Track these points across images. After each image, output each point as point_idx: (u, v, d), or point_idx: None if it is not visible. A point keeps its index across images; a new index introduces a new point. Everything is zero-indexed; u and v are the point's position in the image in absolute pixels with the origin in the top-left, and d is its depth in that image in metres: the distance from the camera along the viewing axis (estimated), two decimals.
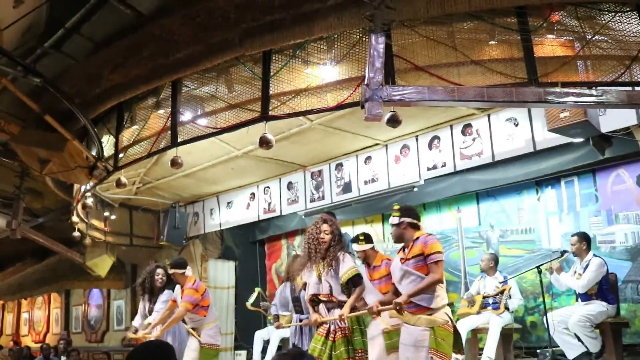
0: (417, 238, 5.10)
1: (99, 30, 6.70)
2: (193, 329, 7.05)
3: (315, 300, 5.74)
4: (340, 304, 5.52)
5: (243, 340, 11.09)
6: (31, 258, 16.00)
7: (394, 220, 5.21)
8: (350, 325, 5.52)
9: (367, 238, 6.59)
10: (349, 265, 5.55)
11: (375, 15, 4.83)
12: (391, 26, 5.15)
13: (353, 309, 5.48)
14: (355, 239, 6.65)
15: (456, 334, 5.04)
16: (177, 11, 6.37)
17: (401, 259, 5.16)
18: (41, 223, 11.70)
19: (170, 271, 7.14)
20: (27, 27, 6.58)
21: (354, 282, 5.54)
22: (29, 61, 6.54)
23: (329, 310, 5.63)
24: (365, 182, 9.07)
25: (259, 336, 9.83)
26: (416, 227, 5.21)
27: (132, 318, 13.81)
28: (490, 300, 7.60)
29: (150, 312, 7.54)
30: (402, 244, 5.24)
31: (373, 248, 6.61)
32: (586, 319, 6.57)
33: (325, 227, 5.70)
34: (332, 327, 5.53)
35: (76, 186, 9.74)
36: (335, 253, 5.60)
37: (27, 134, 7.19)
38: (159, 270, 7.68)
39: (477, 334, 7.74)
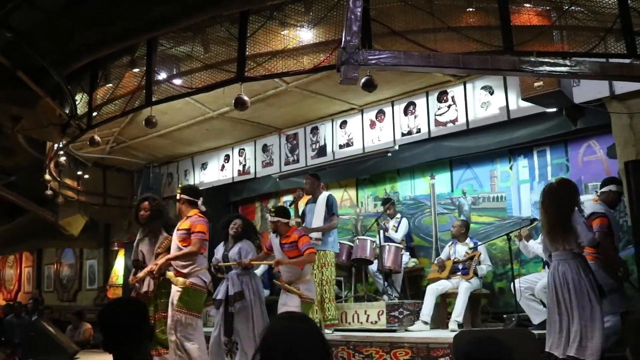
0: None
1: None
2: (289, 283, 6.59)
3: None
4: None
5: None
6: (2, 216, 15.84)
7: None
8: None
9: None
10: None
11: None
12: None
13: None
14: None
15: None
16: None
17: None
18: (13, 181, 11.56)
19: (274, 219, 6.75)
20: None
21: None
22: (0, 15, 6.39)
23: None
24: (340, 147, 9.10)
25: None
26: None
27: (105, 277, 13.89)
28: (460, 266, 7.72)
29: (224, 258, 6.99)
30: None
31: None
32: None
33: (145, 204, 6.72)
34: None
35: (49, 144, 9.65)
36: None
37: None
38: (237, 221, 7.20)
39: (447, 299, 7.87)
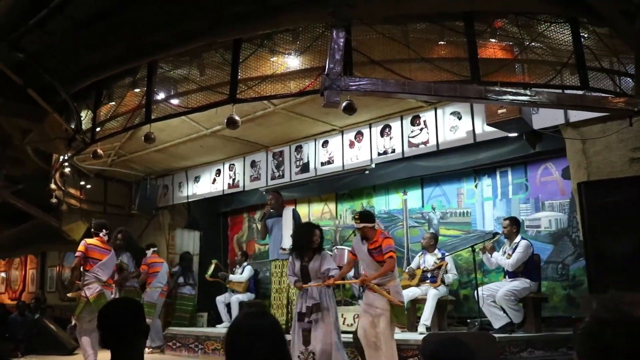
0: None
1: (80, 11, 6.53)
2: (378, 285, 6.14)
3: None
4: None
5: (203, 304, 11.07)
6: (10, 222, 15.63)
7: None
8: None
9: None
10: None
11: (336, 12, 4.85)
12: (351, 23, 5.16)
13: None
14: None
15: None
16: None
17: None
18: (21, 189, 11.43)
19: (360, 225, 6.26)
20: (12, 5, 6.39)
21: None
22: (13, 37, 6.35)
23: None
24: (322, 164, 9.11)
25: (220, 300, 10.00)
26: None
27: None
28: (429, 275, 7.74)
29: (303, 270, 6.48)
30: None
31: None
32: (511, 293, 6.75)
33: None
34: None
35: (55, 156, 9.56)
36: None
37: (10, 105, 7.02)
38: (316, 231, 6.55)
39: (416, 304, 7.87)
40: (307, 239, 6.42)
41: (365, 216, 6.35)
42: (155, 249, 10.48)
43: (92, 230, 7.99)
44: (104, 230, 7.92)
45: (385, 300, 6.03)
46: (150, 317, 9.38)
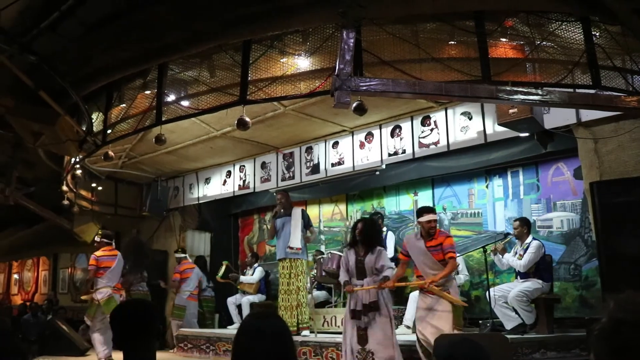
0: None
1: (91, 14, 6.57)
2: (437, 286, 5.93)
3: None
4: None
5: (214, 305, 11.11)
6: (22, 224, 15.74)
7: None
8: None
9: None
10: None
11: (347, 13, 4.84)
12: (361, 23, 5.15)
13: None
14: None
15: None
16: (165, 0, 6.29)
17: None
18: (33, 191, 11.50)
19: (431, 217, 6.06)
20: (24, 8, 6.43)
21: None
22: (25, 40, 6.39)
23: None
24: (332, 165, 9.10)
25: (231, 302, 10.03)
26: None
27: None
28: None
29: (359, 263, 6.23)
30: None
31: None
32: (523, 294, 6.70)
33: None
34: None
35: (66, 158, 9.61)
36: None
37: (22, 108, 7.06)
38: (359, 225, 6.37)
39: None
40: (353, 232, 6.26)
41: (434, 210, 6.19)
42: (185, 255, 10.86)
43: (101, 239, 8.75)
44: (110, 240, 8.86)
45: (446, 302, 5.85)
46: (180, 319, 10.07)
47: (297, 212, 8.30)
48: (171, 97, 6.59)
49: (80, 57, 6.99)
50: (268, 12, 5.61)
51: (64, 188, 10.21)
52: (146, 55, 6.49)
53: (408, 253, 6.24)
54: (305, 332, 7.83)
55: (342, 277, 6.31)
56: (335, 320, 8.07)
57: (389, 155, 8.36)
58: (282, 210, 8.38)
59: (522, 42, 5.56)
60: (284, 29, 5.71)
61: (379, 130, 8.52)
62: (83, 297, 9.02)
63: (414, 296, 7.57)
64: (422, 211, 6.18)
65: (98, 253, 8.52)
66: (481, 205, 8.62)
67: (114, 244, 8.84)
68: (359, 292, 6.08)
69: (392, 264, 6.32)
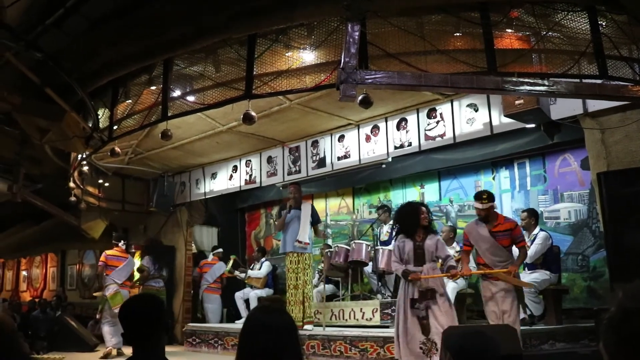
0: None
1: (96, 10, 6.58)
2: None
3: None
4: None
5: (222, 299, 11.15)
6: (30, 220, 15.82)
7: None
8: None
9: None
10: None
11: (351, 6, 4.83)
12: (366, 16, 5.14)
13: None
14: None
15: None
16: None
17: None
18: (40, 188, 11.56)
19: (488, 205, 5.95)
20: (30, 5, 6.45)
21: None
22: (30, 37, 6.41)
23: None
24: (339, 158, 9.09)
25: (239, 296, 10.07)
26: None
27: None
28: None
29: (417, 248, 5.90)
30: None
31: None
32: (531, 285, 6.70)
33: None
34: None
35: (73, 154, 9.64)
36: None
37: (28, 104, 7.10)
38: (423, 208, 6.06)
39: None
40: (415, 217, 5.85)
41: (492, 196, 6.05)
42: (216, 251, 11.29)
43: (113, 241, 9.76)
44: (122, 241, 9.79)
45: (511, 287, 5.79)
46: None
47: (307, 206, 8.31)
48: (177, 93, 6.60)
49: (86, 53, 7.01)
50: (273, 5, 5.61)
51: (71, 184, 10.24)
52: (151, 50, 6.50)
53: (470, 242, 6.12)
54: (308, 327, 7.84)
55: (397, 267, 5.95)
56: (343, 314, 8.09)
57: (395, 148, 8.35)
58: (292, 204, 8.38)
59: (527, 33, 5.54)
60: (289, 22, 5.71)
61: (384, 123, 8.51)
62: (95, 294, 9.96)
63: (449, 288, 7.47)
64: (486, 197, 5.99)
65: (109, 251, 9.11)
66: None
67: (124, 245, 9.70)
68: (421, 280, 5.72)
69: (452, 256, 6.13)
